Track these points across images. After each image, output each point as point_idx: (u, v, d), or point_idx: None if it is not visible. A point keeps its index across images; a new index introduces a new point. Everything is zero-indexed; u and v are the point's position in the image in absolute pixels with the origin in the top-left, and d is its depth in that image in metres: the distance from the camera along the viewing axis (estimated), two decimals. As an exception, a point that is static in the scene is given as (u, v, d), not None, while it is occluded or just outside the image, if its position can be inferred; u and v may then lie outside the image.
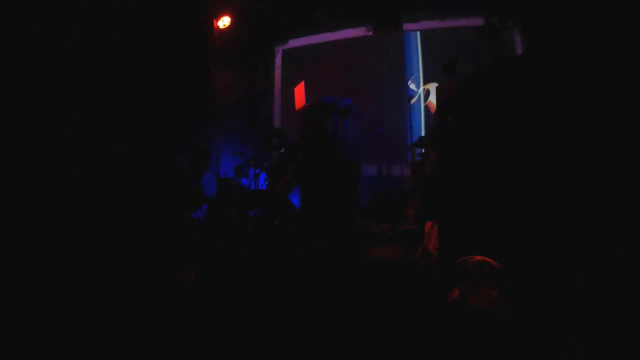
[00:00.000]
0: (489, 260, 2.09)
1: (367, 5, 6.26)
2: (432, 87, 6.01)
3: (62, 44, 4.03)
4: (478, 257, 2.12)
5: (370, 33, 6.90)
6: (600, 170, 1.89)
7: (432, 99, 5.98)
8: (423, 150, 4.95)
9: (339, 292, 2.45)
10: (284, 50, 7.62)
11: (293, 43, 7.51)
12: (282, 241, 3.18)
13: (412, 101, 6.02)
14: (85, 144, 4.19)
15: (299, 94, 5.19)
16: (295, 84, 5.40)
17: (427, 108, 6.16)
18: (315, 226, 2.89)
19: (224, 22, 5.90)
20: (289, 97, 6.35)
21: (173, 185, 4.13)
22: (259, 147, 5.64)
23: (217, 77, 6.33)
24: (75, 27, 4.15)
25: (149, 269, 2.92)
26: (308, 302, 2.36)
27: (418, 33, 6.69)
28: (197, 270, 2.82)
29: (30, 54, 3.74)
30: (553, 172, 2.10)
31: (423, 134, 5.34)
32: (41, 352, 1.87)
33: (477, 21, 5.86)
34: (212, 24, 5.85)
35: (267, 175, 5.17)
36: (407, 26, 6.64)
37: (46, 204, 3.51)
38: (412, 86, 6.08)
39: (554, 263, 2.04)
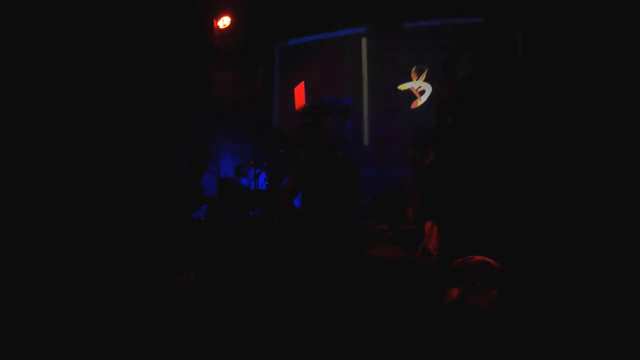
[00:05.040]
0: (489, 260, 2.09)
1: (367, 5, 6.25)
2: (426, 84, 5.98)
3: (63, 45, 4.03)
4: (478, 257, 2.12)
5: (371, 32, 6.89)
6: (602, 173, 1.89)
7: (423, 97, 5.95)
8: (423, 150, 4.94)
9: (339, 292, 2.45)
10: (283, 50, 7.62)
11: (293, 43, 7.51)
12: (282, 241, 3.17)
13: (415, 105, 6.00)
14: (84, 144, 4.19)
15: (299, 94, 5.19)
16: (295, 84, 5.40)
17: (428, 106, 6.13)
18: (316, 226, 2.88)
19: (224, 22, 5.90)
20: (289, 97, 6.35)
21: (173, 185, 4.13)
22: (259, 147, 5.64)
23: (217, 77, 6.33)
24: (76, 28, 4.15)
25: (149, 270, 2.92)
26: (308, 302, 2.36)
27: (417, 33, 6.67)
28: (197, 270, 2.82)
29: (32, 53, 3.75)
30: (553, 173, 2.10)
31: (423, 133, 5.32)
32: (41, 352, 1.87)
33: (477, 21, 5.86)
34: (212, 24, 5.85)
35: (267, 175, 5.16)
36: (407, 25, 6.63)
37: (46, 204, 3.51)
38: (414, 78, 6.04)
39: (553, 263, 2.04)
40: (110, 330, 2.06)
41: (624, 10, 1.91)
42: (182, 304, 2.44)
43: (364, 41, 7.05)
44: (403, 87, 6.11)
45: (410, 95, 5.94)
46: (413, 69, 6.04)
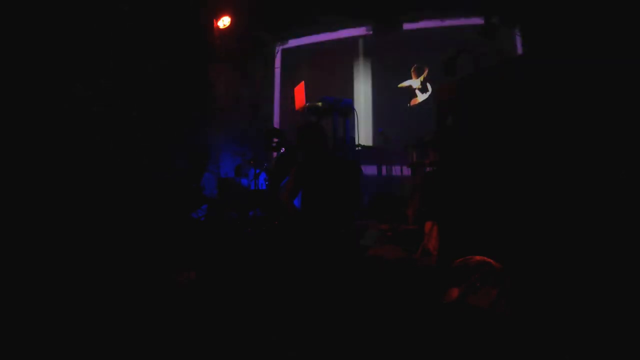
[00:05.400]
0: (489, 260, 2.09)
1: (367, 5, 6.25)
2: (425, 82, 5.97)
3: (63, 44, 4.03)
4: (478, 257, 2.12)
5: (371, 33, 6.90)
6: (602, 173, 1.89)
7: (423, 96, 5.94)
8: (423, 150, 4.94)
9: (339, 292, 2.45)
10: (283, 50, 7.62)
11: (293, 43, 7.51)
12: (282, 241, 3.18)
13: (414, 102, 5.99)
14: (84, 144, 4.19)
15: (299, 94, 5.19)
16: (295, 84, 5.40)
17: (428, 106, 6.12)
18: (316, 226, 2.88)
19: (224, 22, 5.90)
20: (289, 97, 6.35)
21: (173, 185, 4.13)
22: (259, 147, 5.64)
23: (217, 77, 6.32)
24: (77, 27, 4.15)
25: (149, 270, 2.92)
26: (308, 303, 2.36)
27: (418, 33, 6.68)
28: (197, 270, 2.82)
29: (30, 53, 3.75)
30: (553, 173, 2.10)
31: (423, 133, 5.32)
32: (40, 353, 1.87)
33: (477, 21, 5.86)
34: (212, 24, 5.85)
35: (267, 175, 5.16)
36: (407, 26, 6.64)
37: (46, 204, 3.51)
38: (413, 77, 6.03)
39: (553, 263, 2.04)
40: (110, 330, 2.06)
41: (624, 9, 1.91)
42: (182, 304, 2.44)
43: (364, 41, 7.06)
44: (403, 85, 6.10)
45: (410, 95, 5.94)
46: (413, 68, 6.03)
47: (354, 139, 5.36)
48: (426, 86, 5.91)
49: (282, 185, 4.47)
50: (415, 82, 6.05)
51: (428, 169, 4.22)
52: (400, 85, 6.10)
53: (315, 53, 7.28)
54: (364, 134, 6.57)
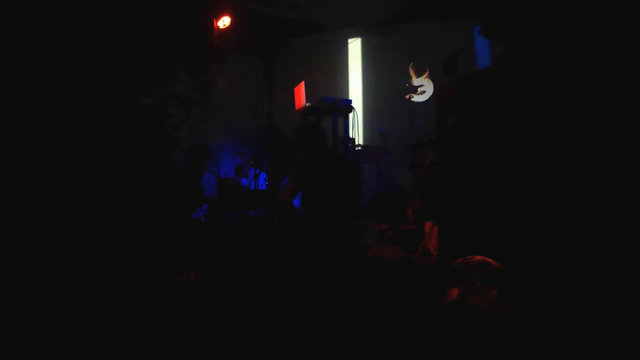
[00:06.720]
0: (489, 260, 2.09)
1: (367, 5, 6.24)
2: (427, 82, 5.94)
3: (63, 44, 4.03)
4: (478, 257, 2.12)
5: (371, 33, 6.89)
6: (602, 172, 1.89)
7: (424, 96, 5.90)
8: (423, 150, 4.94)
9: (340, 292, 2.45)
10: (284, 50, 7.62)
11: (293, 43, 7.51)
12: (282, 241, 3.18)
13: (413, 97, 5.94)
14: (84, 144, 4.19)
15: (299, 94, 5.19)
16: (295, 84, 5.40)
17: (427, 106, 6.09)
18: (316, 226, 2.88)
19: (224, 22, 5.90)
20: (289, 97, 6.35)
21: (173, 185, 4.13)
22: (259, 147, 5.64)
23: (217, 77, 6.32)
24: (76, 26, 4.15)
25: (149, 270, 2.92)
26: (309, 303, 2.36)
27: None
28: (197, 270, 2.82)
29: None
30: (553, 172, 2.10)
31: (423, 134, 5.31)
32: (40, 352, 1.87)
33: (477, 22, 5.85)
34: (212, 24, 5.85)
35: (267, 175, 5.16)
36: (406, 26, 6.63)
37: (47, 204, 3.51)
38: (413, 76, 6.00)
39: (553, 263, 2.04)
40: (110, 329, 2.06)
41: (625, 8, 1.91)
42: (182, 304, 2.44)
43: (364, 41, 7.05)
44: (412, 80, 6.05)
45: (410, 91, 5.91)
46: (410, 66, 5.99)
47: (354, 139, 5.36)
48: (428, 86, 5.88)
49: (282, 185, 4.47)
50: (416, 82, 6.03)
51: (428, 169, 4.21)
52: (412, 81, 6.05)
53: (315, 53, 7.28)
54: (364, 134, 6.56)
